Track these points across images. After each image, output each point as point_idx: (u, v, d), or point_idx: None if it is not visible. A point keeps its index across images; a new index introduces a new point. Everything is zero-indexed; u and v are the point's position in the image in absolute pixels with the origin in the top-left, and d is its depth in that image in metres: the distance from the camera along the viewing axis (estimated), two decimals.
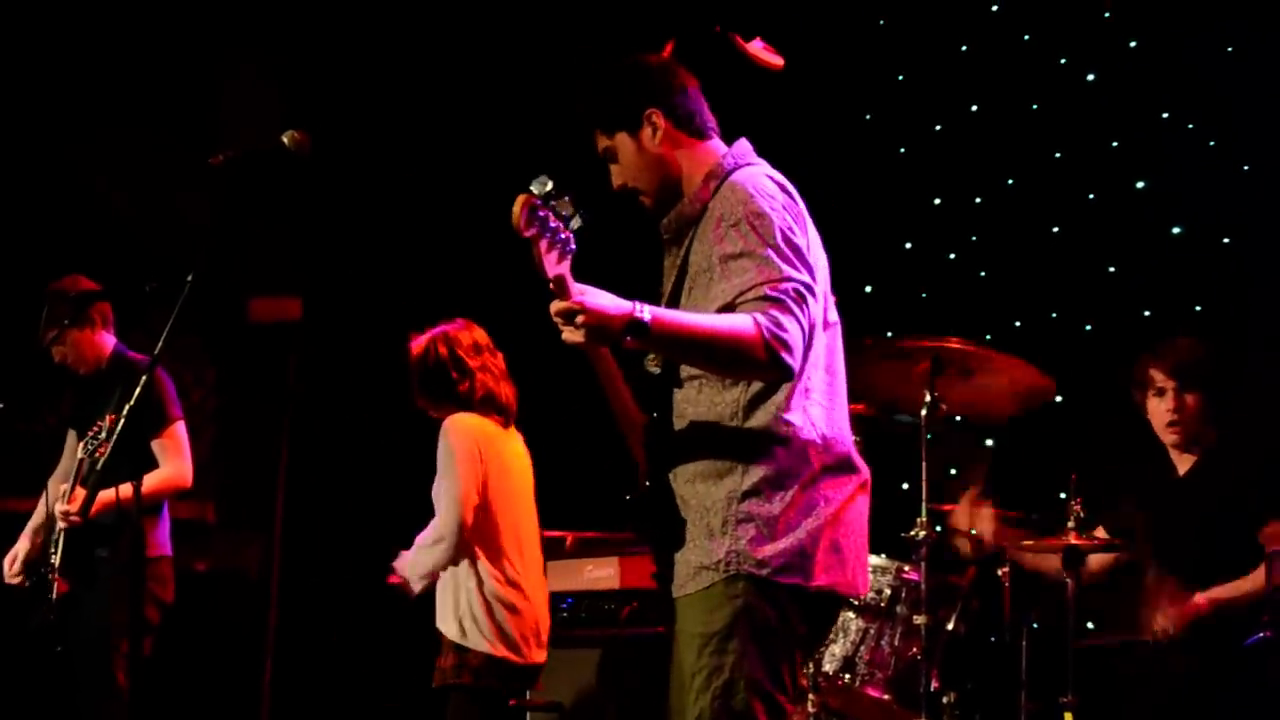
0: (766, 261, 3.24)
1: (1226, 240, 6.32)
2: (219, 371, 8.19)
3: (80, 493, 5.42)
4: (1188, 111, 6.43)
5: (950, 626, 5.03)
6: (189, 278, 3.88)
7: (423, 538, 5.05)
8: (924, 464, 4.89)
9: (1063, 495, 4.95)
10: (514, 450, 5.20)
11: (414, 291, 7.49)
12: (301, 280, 8.05)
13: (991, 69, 6.88)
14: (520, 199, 3.12)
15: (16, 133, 7.82)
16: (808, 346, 3.28)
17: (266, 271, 8.16)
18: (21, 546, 5.78)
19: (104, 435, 5.30)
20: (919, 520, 4.86)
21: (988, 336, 6.43)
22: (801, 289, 3.24)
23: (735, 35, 4.35)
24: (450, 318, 5.27)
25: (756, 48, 4.37)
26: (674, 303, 3.41)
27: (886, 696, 4.96)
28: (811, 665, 4.87)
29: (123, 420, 4.14)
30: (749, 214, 3.29)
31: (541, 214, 3.13)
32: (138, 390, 3.97)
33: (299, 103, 7.89)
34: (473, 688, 4.93)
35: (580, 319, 3.11)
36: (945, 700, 4.94)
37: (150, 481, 5.53)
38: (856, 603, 4.91)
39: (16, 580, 5.75)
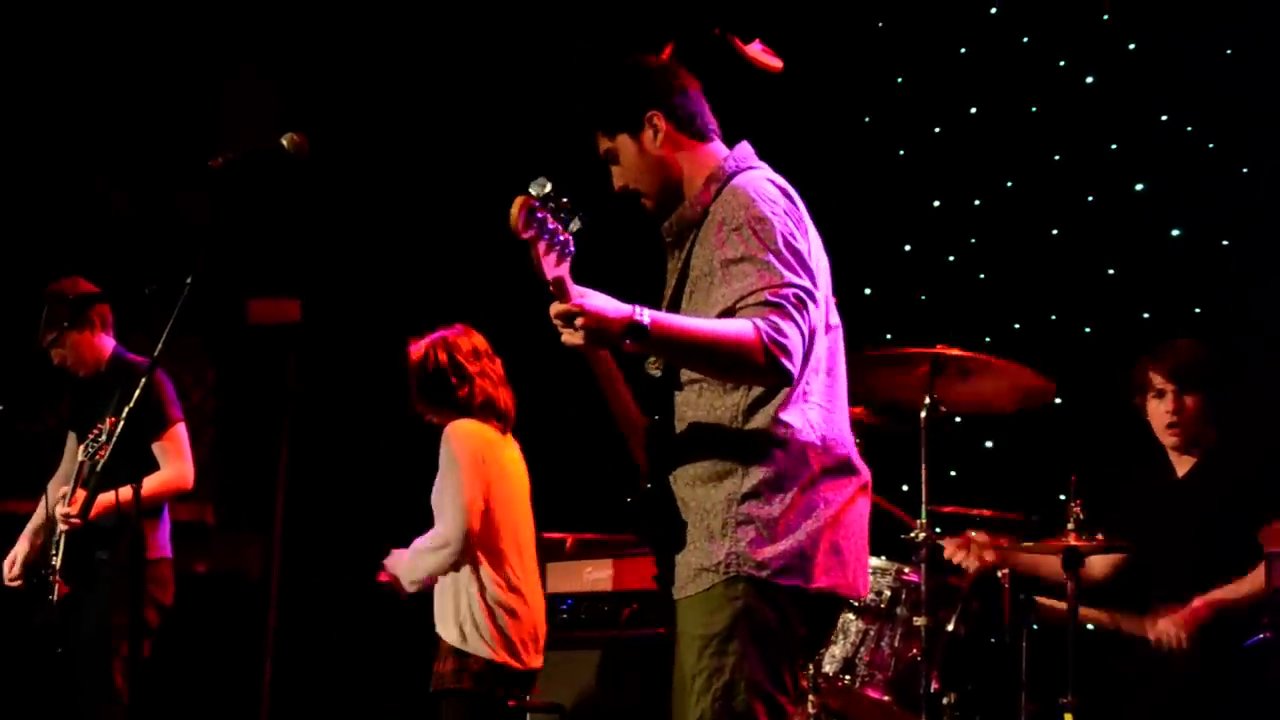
0: (767, 266, 3.24)
1: (1226, 242, 6.32)
2: (218, 373, 8.18)
3: (81, 495, 5.42)
4: (1187, 114, 6.43)
5: (950, 628, 5.02)
6: (189, 279, 3.88)
7: (424, 542, 5.05)
8: (924, 465, 4.90)
9: (1062, 497, 4.95)
10: (511, 456, 5.21)
11: (413, 293, 7.50)
12: (301, 282, 8.06)
13: (990, 71, 6.87)
14: (518, 200, 3.12)
15: (16, 133, 7.83)
16: (808, 351, 3.29)
17: (266, 273, 8.16)
18: (20, 548, 5.78)
19: (105, 438, 5.30)
20: (919, 522, 4.86)
21: (987, 339, 6.44)
22: (802, 294, 3.24)
23: (734, 37, 4.35)
24: (449, 320, 5.27)
25: (755, 50, 4.37)
26: (675, 306, 3.42)
27: (887, 698, 4.96)
28: (811, 666, 4.87)
29: (122, 422, 4.15)
30: (750, 218, 3.29)
31: (540, 216, 3.13)
32: (137, 392, 3.98)
33: (299, 103, 7.90)
34: (473, 693, 4.93)
35: (580, 321, 3.11)
36: (945, 701, 4.94)
37: (151, 483, 5.54)
38: (856, 604, 4.91)
39: (16, 583, 5.75)
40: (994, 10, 6.92)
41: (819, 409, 3.36)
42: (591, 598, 6.09)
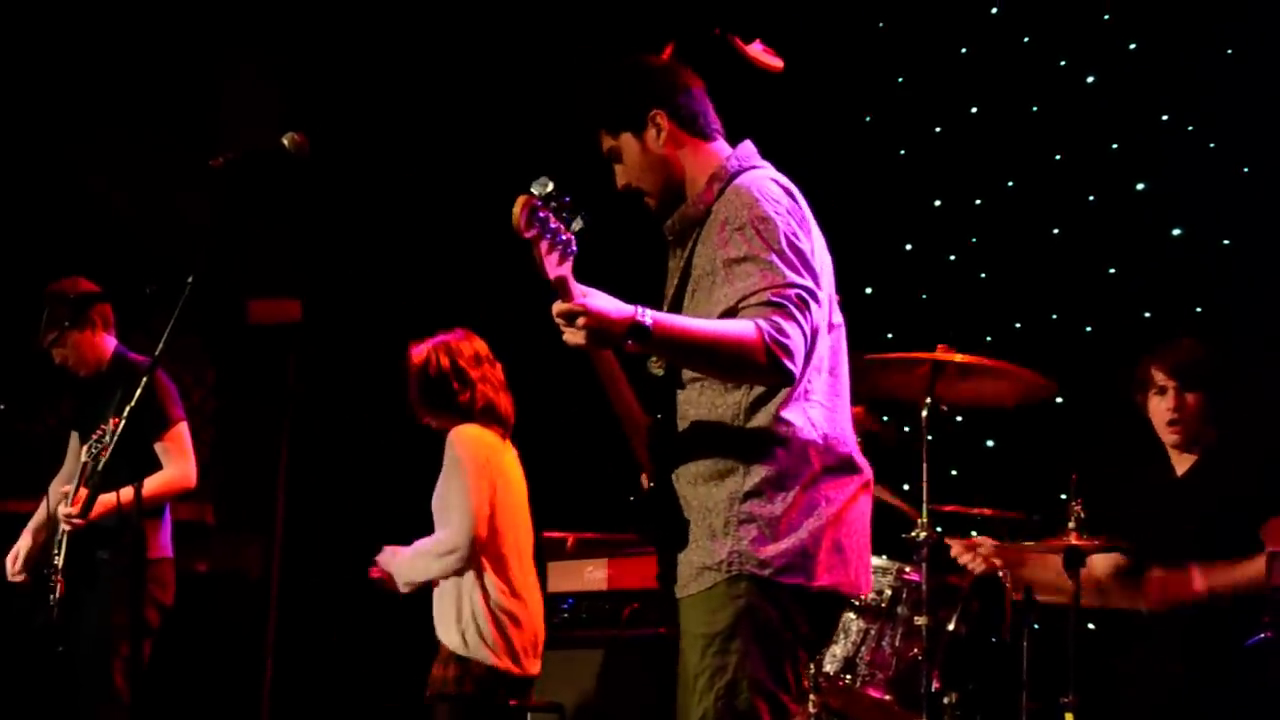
0: (770, 266, 3.24)
1: (1226, 242, 6.32)
2: (218, 373, 8.19)
3: (83, 494, 5.41)
4: (1187, 113, 6.43)
5: (951, 627, 5.03)
6: (189, 279, 3.88)
7: (427, 545, 5.04)
8: (924, 464, 4.90)
9: (1063, 496, 4.95)
10: (511, 461, 5.21)
11: (413, 293, 7.50)
12: (301, 282, 8.06)
13: (991, 71, 6.87)
14: (520, 200, 3.12)
15: (16, 133, 7.82)
16: (810, 350, 3.29)
17: (266, 273, 8.16)
18: (23, 544, 5.78)
19: (108, 438, 5.29)
20: (920, 521, 4.86)
21: (988, 338, 6.44)
22: (804, 294, 3.24)
23: (735, 37, 4.34)
24: (449, 320, 5.27)
25: (756, 50, 4.36)
26: (677, 305, 3.42)
27: (887, 697, 4.96)
28: (812, 666, 4.88)
29: (124, 422, 4.14)
30: (753, 218, 3.29)
31: (542, 215, 3.13)
32: (138, 392, 3.98)
33: (299, 103, 7.90)
34: (475, 698, 4.93)
35: (582, 321, 3.11)
36: (946, 701, 4.94)
37: (154, 483, 5.54)
38: (857, 604, 4.92)
39: (19, 578, 5.75)
40: (994, 10, 6.93)
41: (821, 407, 3.36)
42: (592, 597, 6.09)
